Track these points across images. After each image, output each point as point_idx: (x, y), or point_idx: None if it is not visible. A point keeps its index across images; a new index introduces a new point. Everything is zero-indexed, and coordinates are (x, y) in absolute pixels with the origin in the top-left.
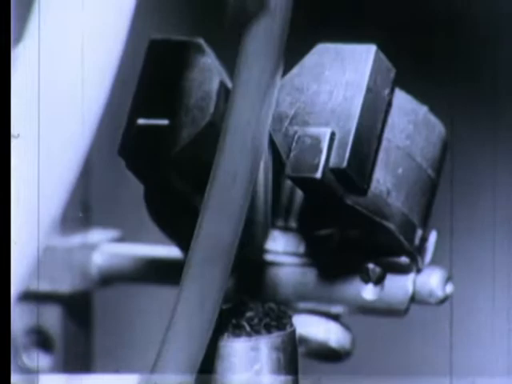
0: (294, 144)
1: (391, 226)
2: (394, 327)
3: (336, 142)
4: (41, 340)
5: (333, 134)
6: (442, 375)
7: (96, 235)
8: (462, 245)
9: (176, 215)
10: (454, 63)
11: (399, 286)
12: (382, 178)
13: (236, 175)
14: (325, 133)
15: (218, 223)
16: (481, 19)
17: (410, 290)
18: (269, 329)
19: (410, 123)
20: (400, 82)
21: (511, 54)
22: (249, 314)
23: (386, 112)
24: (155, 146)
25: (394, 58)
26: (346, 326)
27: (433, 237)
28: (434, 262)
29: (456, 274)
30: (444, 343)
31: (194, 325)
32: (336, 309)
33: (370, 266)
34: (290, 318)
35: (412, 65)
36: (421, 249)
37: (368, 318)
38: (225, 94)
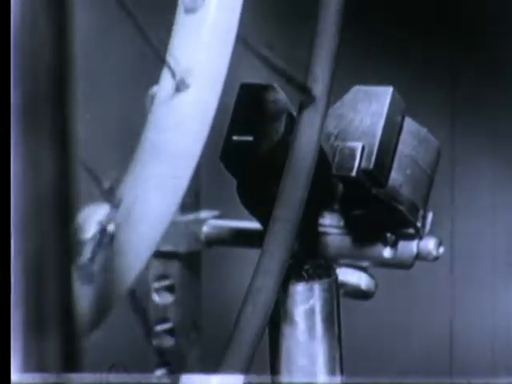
0: (337, 153)
1: (402, 208)
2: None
3: (365, 153)
4: (166, 284)
5: (363, 147)
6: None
7: (204, 213)
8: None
9: (258, 201)
10: None
11: (407, 248)
12: (396, 176)
13: (302, 169)
14: (358, 146)
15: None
16: None
17: (415, 251)
18: (319, 276)
19: (415, 139)
20: None
21: None
22: (306, 266)
23: (399, 132)
24: (244, 155)
25: None
26: (372, 275)
27: (430, 216)
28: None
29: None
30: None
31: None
32: (364, 263)
33: (388, 234)
34: (334, 269)
35: None
36: (422, 223)
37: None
38: (291, 121)
